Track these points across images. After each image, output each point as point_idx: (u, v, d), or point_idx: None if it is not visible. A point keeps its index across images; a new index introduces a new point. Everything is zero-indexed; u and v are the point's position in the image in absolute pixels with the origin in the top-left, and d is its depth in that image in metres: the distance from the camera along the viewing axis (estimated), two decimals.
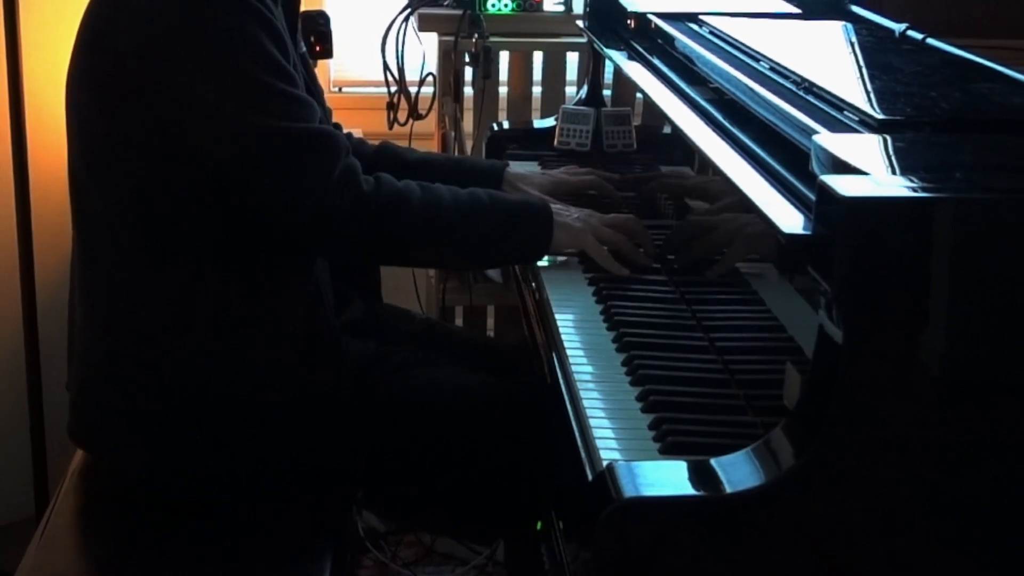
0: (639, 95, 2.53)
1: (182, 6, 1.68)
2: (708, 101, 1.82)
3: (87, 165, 1.79)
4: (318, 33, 2.74)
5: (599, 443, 1.43)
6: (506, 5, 2.80)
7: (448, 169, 2.15)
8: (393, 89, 2.76)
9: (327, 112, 1.94)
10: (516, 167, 2.27)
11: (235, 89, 1.68)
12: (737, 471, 1.25)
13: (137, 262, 1.78)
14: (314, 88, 1.88)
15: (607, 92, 2.64)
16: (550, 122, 2.57)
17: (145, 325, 1.79)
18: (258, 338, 1.81)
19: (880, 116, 1.46)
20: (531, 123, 2.76)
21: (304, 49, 2.01)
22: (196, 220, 1.76)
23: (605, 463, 1.36)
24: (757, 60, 1.85)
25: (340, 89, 3.43)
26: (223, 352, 1.79)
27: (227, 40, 1.68)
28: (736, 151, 1.60)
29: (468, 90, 2.86)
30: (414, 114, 2.79)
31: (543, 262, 1.99)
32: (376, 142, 2.18)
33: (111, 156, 1.76)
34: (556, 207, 1.92)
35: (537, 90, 2.93)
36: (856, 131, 1.46)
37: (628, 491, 1.23)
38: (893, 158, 1.33)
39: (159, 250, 1.77)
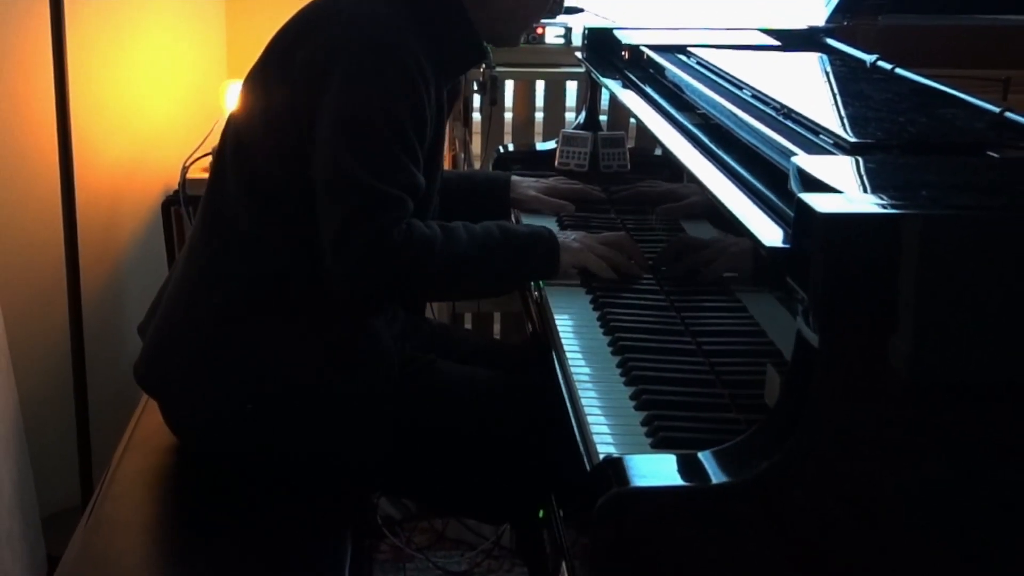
0: (633, 120, 2.53)
1: (355, 64, 1.75)
2: (696, 126, 1.82)
3: (234, 156, 1.87)
4: None
5: (596, 438, 1.43)
6: None
7: (461, 185, 2.27)
8: None
9: (439, 168, 1.99)
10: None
11: (355, 135, 1.74)
12: (722, 464, 1.25)
13: (246, 248, 1.84)
14: (437, 151, 1.94)
15: (603, 117, 2.64)
16: (551, 145, 2.57)
17: (233, 301, 1.84)
18: (326, 336, 1.84)
19: (853, 139, 1.46)
20: (534, 146, 2.77)
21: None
22: (301, 227, 1.80)
23: (601, 456, 1.36)
24: (740, 88, 1.85)
25: None
26: (293, 340, 1.83)
27: (375, 98, 1.75)
28: (721, 171, 1.60)
29: (476, 115, 2.86)
30: None
31: None
32: None
33: (256, 154, 1.84)
34: (556, 233, 1.95)
35: (539, 115, 2.94)
36: (831, 153, 1.46)
37: (623, 481, 1.23)
38: (865, 178, 1.33)
39: (268, 243, 1.83)
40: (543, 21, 2.82)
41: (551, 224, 2.19)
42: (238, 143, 1.87)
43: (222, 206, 1.88)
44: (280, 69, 1.82)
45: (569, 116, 2.91)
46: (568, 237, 1.95)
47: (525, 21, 2.02)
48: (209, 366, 1.84)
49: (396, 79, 1.76)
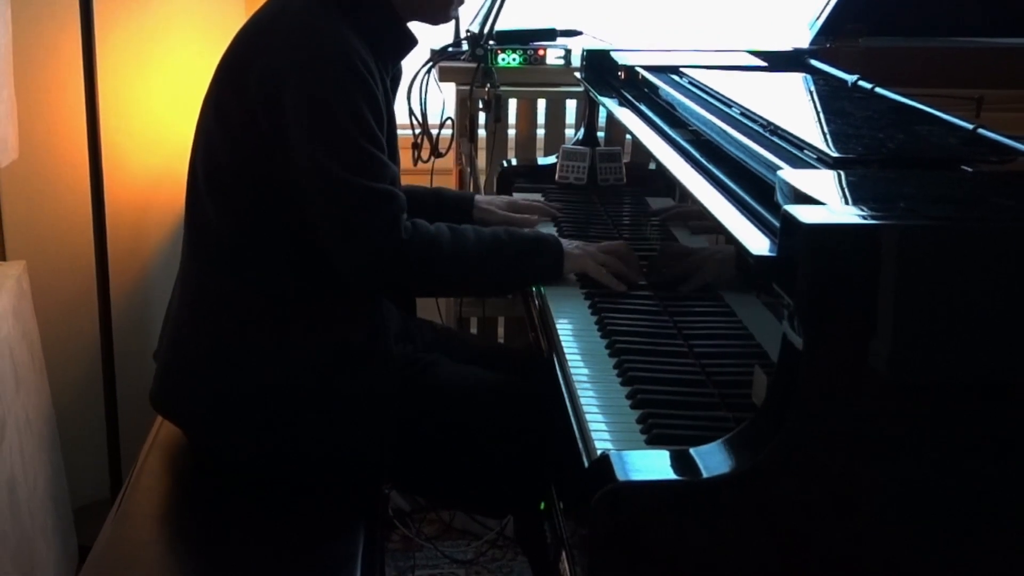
0: (628, 136, 2.53)
1: (307, 73, 1.73)
2: (687, 141, 1.82)
3: (206, 180, 1.83)
4: None
5: (594, 435, 1.43)
6: (514, 59, 2.80)
7: (429, 199, 2.22)
8: (417, 131, 2.77)
9: (397, 155, 1.93)
10: (517, 196, 2.37)
11: (328, 141, 1.72)
12: (712, 459, 1.25)
13: (235, 261, 1.82)
14: (393, 139, 1.90)
15: (601, 134, 2.64)
16: (552, 159, 2.57)
17: (233, 315, 1.82)
18: (327, 339, 1.83)
19: (835, 154, 1.46)
20: (536, 160, 2.77)
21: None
22: (286, 239, 1.80)
23: (599, 452, 1.36)
24: (729, 106, 1.85)
25: None
26: (295, 347, 1.81)
27: (334, 104, 1.72)
28: (711, 184, 1.60)
29: (482, 132, 2.86)
30: (435, 152, 2.79)
31: None
32: None
33: (227, 176, 1.81)
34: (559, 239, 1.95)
35: (541, 132, 2.94)
36: (814, 167, 1.46)
37: (619, 476, 1.23)
38: (846, 190, 1.33)
39: (255, 254, 1.81)
40: (545, 44, 2.82)
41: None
42: (208, 165, 1.83)
43: (203, 227, 1.85)
44: (235, 91, 1.79)
45: (569, 132, 2.91)
46: (570, 245, 1.95)
47: (440, 6, 1.93)
48: (218, 386, 1.82)
49: (346, 78, 1.73)
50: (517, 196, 2.38)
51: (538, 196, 2.40)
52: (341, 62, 1.74)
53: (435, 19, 1.95)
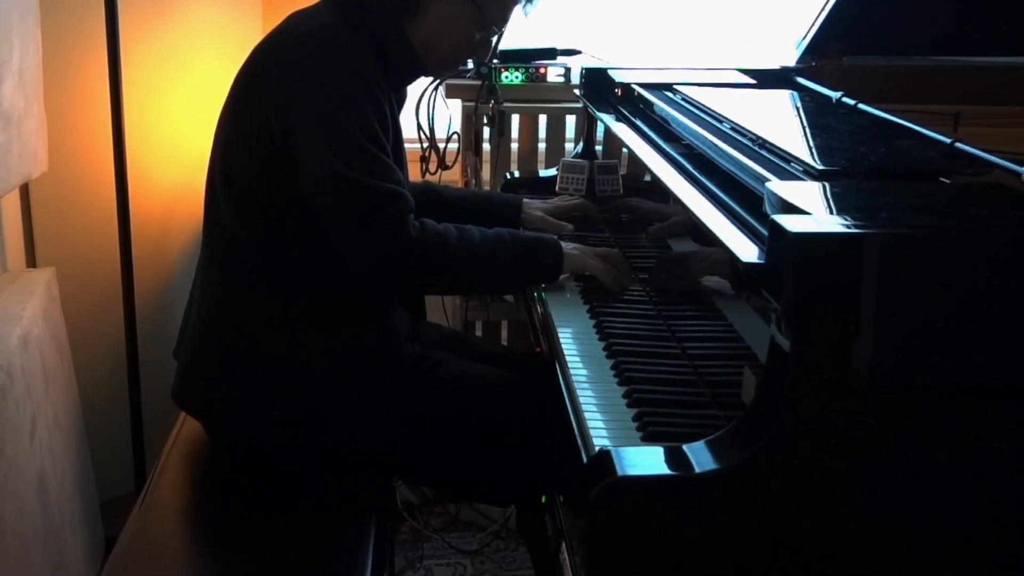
0: (625, 150, 2.53)
1: (317, 82, 1.74)
2: (681, 155, 1.83)
3: (224, 184, 1.84)
4: None
5: (592, 432, 1.43)
6: (517, 77, 2.81)
7: (478, 204, 2.26)
8: (425, 145, 2.77)
9: (405, 167, 1.95)
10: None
11: (337, 144, 1.72)
12: (704, 455, 1.25)
13: (251, 265, 1.82)
14: (401, 152, 1.90)
15: (599, 147, 2.65)
16: (552, 172, 2.57)
17: (249, 316, 1.82)
18: (339, 337, 1.83)
19: (820, 167, 1.46)
20: (537, 173, 2.77)
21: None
22: (299, 243, 1.80)
23: (597, 448, 1.36)
24: (720, 121, 1.85)
25: None
26: (307, 348, 1.81)
27: (342, 109, 1.73)
28: (703, 195, 1.60)
29: (486, 146, 2.86)
30: (442, 165, 2.79)
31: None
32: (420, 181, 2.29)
33: (242, 182, 1.81)
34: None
35: (542, 146, 2.94)
36: (801, 179, 1.46)
37: (616, 471, 1.23)
38: (831, 201, 1.33)
39: (270, 258, 1.81)
40: (546, 63, 2.83)
41: None
42: (225, 172, 1.84)
43: (220, 233, 1.85)
44: (251, 100, 1.79)
45: (568, 146, 2.91)
46: (568, 246, 1.96)
47: (444, 57, 1.93)
48: (235, 384, 1.83)
49: (355, 87, 1.74)
50: (558, 200, 2.37)
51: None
52: (348, 70, 1.75)
53: (428, 71, 1.96)
